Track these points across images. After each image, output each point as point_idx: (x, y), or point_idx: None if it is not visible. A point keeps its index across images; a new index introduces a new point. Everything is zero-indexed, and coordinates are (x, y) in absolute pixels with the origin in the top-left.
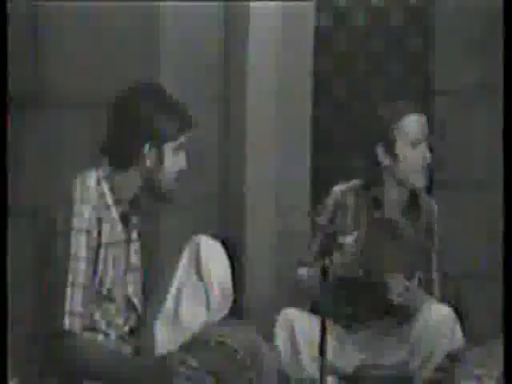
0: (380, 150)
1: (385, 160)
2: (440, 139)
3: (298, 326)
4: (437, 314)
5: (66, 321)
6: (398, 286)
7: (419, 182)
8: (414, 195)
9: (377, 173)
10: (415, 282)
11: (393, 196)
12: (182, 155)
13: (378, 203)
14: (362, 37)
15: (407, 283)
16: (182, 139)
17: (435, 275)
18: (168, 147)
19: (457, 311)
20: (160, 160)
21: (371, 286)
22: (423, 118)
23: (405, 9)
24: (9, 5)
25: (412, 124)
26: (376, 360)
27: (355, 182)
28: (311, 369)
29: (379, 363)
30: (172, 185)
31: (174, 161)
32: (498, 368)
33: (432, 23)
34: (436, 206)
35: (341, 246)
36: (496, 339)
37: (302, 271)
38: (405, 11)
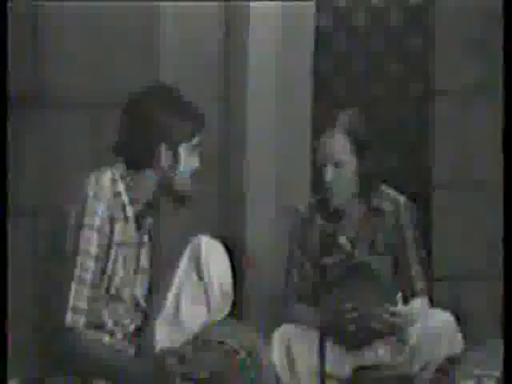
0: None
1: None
2: (440, 139)
3: (295, 339)
4: (437, 320)
5: (69, 317)
6: (383, 316)
7: (336, 200)
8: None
9: None
10: (399, 303)
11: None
12: (195, 155)
13: (337, 215)
14: (362, 37)
15: (391, 309)
16: (196, 140)
17: (414, 271)
18: (183, 148)
19: (456, 315)
20: (175, 160)
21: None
22: (331, 141)
23: (405, 9)
24: (9, 5)
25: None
26: (375, 361)
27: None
28: (309, 380)
29: (378, 364)
30: (186, 184)
31: (188, 161)
32: (497, 368)
33: (432, 23)
34: (402, 200)
35: (339, 246)
36: (496, 339)
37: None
38: (405, 11)
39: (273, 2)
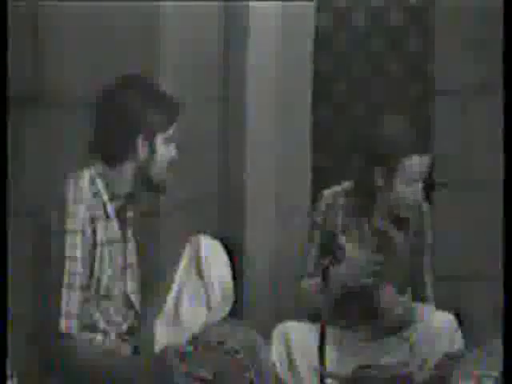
0: (377, 173)
1: (379, 181)
2: (440, 139)
3: (295, 338)
4: (437, 320)
5: (63, 323)
6: (388, 300)
7: (405, 213)
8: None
9: (369, 183)
10: (406, 296)
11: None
12: (172, 146)
13: (366, 209)
14: (362, 37)
15: (399, 298)
16: (172, 130)
17: (427, 278)
18: (159, 138)
19: (456, 315)
20: (152, 151)
21: (363, 297)
22: (426, 159)
23: (405, 9)
24: (9, 5)
25: (414, 165)
26: (376, 361)
27: (347, 185)
28: (309, 379)
29: (379, 364)
30: (164, 174)
31: (165, 151)
32: (497, 368)
33: (432, 23)
34: (426, 205)
35: (340, 247)
36: (496, 339)
37: (306, 283)
38: (405, 11)
39: (273, 2)
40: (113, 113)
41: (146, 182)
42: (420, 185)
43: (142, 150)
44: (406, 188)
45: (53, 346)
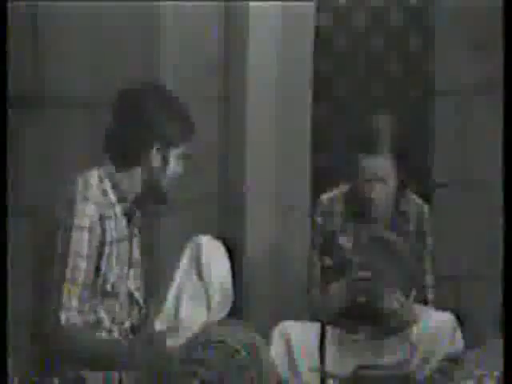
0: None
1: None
2: (440, 139)
3: (295, 338)
4: (437, 319)
5: (64, 317)
6: (393, 303)
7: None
8: (398, 201)
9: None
10: (411, 298)
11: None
12: (181, 163)
13: (364, 211)
14: (362, 37)
15: (402, 299)
16: (183, 148)
17: (429, 279)
18: (173, 153)
19: (456, 315)
20: (164, 163)
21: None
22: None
23: (405, 9)
24: (9, 5)
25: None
26: (376, 361)
27: (342, 189)
28: (309, 379)
29: (379, 364)
30: (174, 186)
31: (176, 166)
32: (497, 368)
33: (432, 23)
34: (426, 207)
35: (340, 247)
36: (496, 339)
37: (316, 291)
38: (405, 11)
39: (273, 2)
40: (129, 119)
41: (155, 192)
42: (375, 184)
43: (155, 161)
44: (369, 188)
45: (53, 340)
